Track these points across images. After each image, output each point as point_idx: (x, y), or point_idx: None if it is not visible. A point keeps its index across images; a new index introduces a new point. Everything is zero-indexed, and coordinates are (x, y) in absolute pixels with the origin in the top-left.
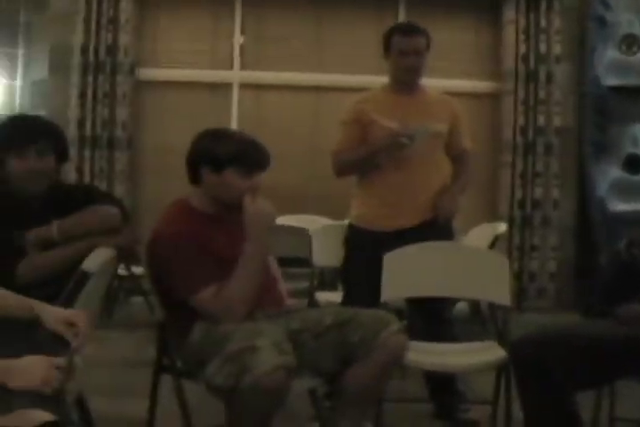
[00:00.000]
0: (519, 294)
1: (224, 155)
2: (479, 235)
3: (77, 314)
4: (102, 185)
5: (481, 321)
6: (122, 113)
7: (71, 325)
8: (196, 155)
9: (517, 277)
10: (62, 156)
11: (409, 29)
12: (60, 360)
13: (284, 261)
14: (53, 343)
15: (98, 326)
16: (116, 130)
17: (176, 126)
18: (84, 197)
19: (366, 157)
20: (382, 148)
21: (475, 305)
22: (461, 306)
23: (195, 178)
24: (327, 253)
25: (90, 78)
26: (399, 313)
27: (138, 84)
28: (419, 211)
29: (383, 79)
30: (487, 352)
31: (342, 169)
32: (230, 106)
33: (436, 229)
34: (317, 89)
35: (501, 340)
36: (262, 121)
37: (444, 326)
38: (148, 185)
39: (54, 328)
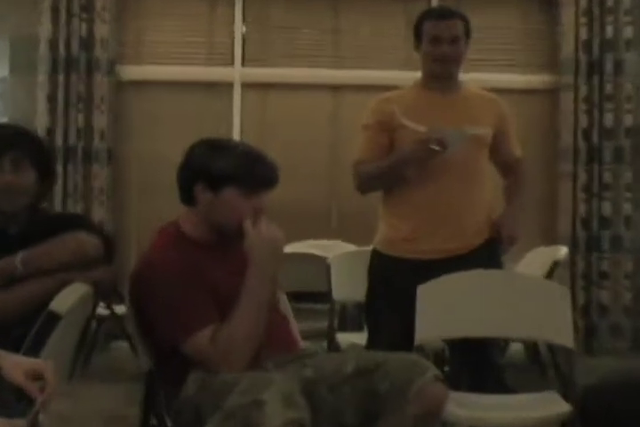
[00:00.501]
0: (587, 332)
1: (223, 170)
2: (534, 261)
3: (44, 364)
4: (77, 207)
5: (539, 367)
6: (100, 120)
7: (37, 377)
8: (189, 170)
9: (583, 311)
10: (45, 173)
11: (442, 13)
12: (21, 423)
13: (296, 296)
14: (15, 400)
15: (71, 379)
16: (93, 140)
17: (166, 135)
18: (64, 225)
19: (392, 169)
20: (409, 157)
21: (531, 347)
22: (515, 348)
23: (188, 198)
24: (350, 286)
25: (60, 78)
26: (437, 358)
27: (119, 84)
28: (457, 233)
29: (413, 75)
30: (547, 406)
31: (365, 184)
32: (231, 110)
33: (480, 255)
34: (335, 88)
35: (565, 390)
36: (269, 128)
37: (493, 373)
38: (133, 206)
39: (16, 382)
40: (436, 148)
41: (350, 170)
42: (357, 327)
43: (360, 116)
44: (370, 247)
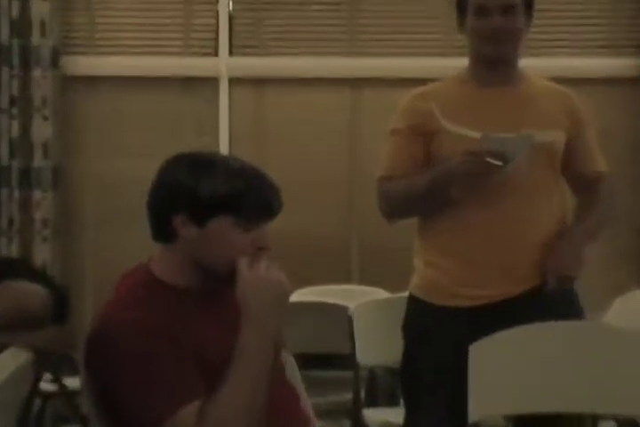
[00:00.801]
0: None
1: (211, 195)
2: (628, 309)
3: None
4: (12, 246)
5: None
6: (42, 129)
7: None
8: (165, 196)
9: None
10: None
11: None
12: None
13: (309, 361)
14: None
15: None
16: (33, 156)
17: (131, 148)
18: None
19: (432, 189)
20: (456, 174)
21: (628, 426)
22: None
23: (163, 232)
24: (380, 346)
25: None
26: None
27: (66, 81)
28: (524, 272)
29: (456, 64)
30: None
31: (395, 208)
32: (216, 113)
33: (551, 300)
34: (353, 82)
35: None
36: (266, 136)
37: None
38: (89, 244)
39: None
40: (495, 162)
41: (374, 190)
42: (391, 401)
43: (386, 118)
44: (405, 293)
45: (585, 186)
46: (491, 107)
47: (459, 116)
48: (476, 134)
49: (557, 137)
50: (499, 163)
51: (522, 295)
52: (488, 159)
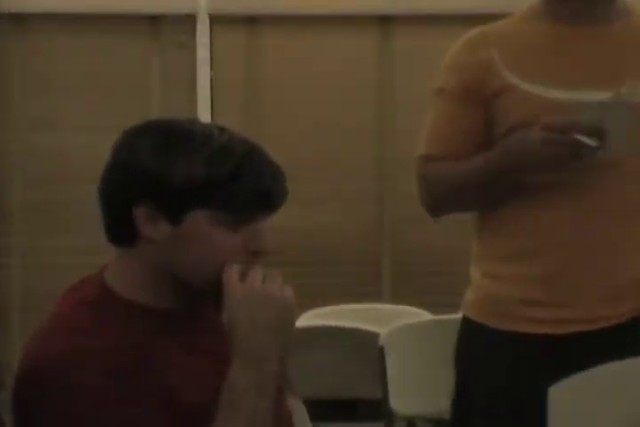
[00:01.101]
0: None
1: (187, 180)
2: None
3: None
4: None
5: None
6: None
7: None
8: (122, 182)
9: None
10: None
11: None
12: None
13: (326, 408)
14: None
15: None
16: None
17: (74, 112)
18: None
19: (496, 176)
20: (530, 158)
21: None
22: None
23: (119, 232)
24: (420, 388)
25: None
26: None
27: None
28: (617, 290)
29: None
30: None
31: (440, 199)
32: (192, 64)
33: None
34: (384, 21)
35: None
36: (262, 95)
37: None
38: (16, 247)
39: None
40: (591, 142)
41: (413, 173)
42: None
43: (426, 68)
44: (456, 315)
45: None
46: (580, 53)
47: (533, 67)
48: (558, 93)
49: None
50: (593, 143)
51: (622, 322)
52: (578, 137)
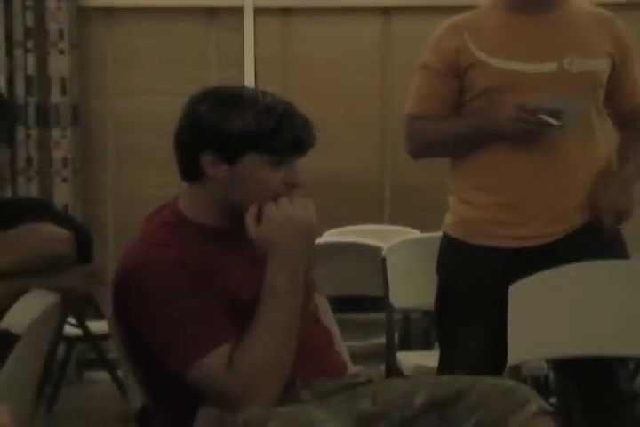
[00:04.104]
0: None
1: (241, 132)
2: None
3: None
4: (31, 187)
5: None
6: (60, 63)
7: None
8: (193, 134)
9: None
10: (10, 142)
11: None
12: None
13: (342, 304)
14: None
15: (34, 424)
16: (50, 93)
17: (154, 84)
18: (20, 214)
19: (474, 137)
20: (503, 129)
21: None
22: None
23: (191, 171)
24: (413, 288)
25: None
26: (541, 384)
27: (83, 12)
28: (563, 212)
29: None
30: None
31: (424, 148)
32: (241, 46)
33: (595, 241)
34: (384, 11)
35: None
36: (293, 70)
37: (619, 404)
38: (110, 183)
39: None
40: (552, 121)
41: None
42: (424, 344)
43: (421, 50)
44: (438, 233)
45: (629, 119)
46: (530, 35)
47: (495, 46)
48: (514, 65)
49: (601, 66)
50: (555, 122)
51: (565, 236)
52: (545, 118)
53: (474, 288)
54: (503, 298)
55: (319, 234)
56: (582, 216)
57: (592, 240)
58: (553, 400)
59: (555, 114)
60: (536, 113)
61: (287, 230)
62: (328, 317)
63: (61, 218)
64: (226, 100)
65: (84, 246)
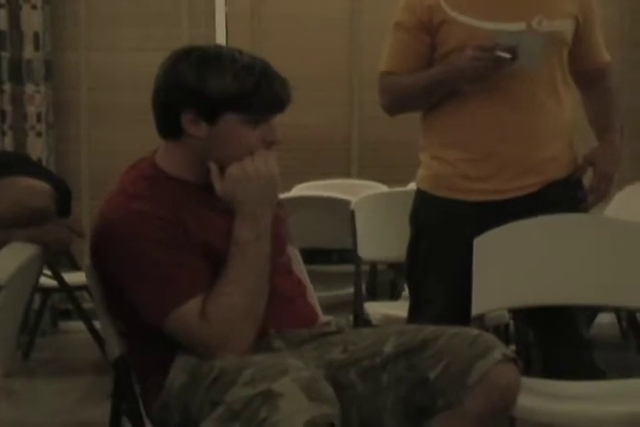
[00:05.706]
0: None
1: (221, 91)
2: (629, 202)
3: None
4: (5, 141)
5: (637, 345)
6: (32, 17)
7: None
8: (172, 94)
9: None
10: None
11: None
12: None
13: (311, 256)
14: None
15: (13, 373)
16: (23, 48)
17: (130, 39)
18: (3, 167)
19: (439, 85)
20: (465, 68)
21: (627, 318)
22: (605, 320)
23: (169, 129)
24: (381, 241)
25: None
26: (502, 332)
27: None
28: (533, 166)
29: None
30: None
31: (397, 103)
32: (212, 4)
33: (559, 194)
34: None
35: None
36: (264, 30)
37: (576, 351)
38: (84, 138)
39: None
40: (506, 55)
41: (376, 84)
42: (391, 295)
43: (389, 8)
44: (408, 187)
45: (590, 77)
46: None
47: (466, 5)
48: (484, 24)
49: (566, 25)
50: (508, 56)
51: (531, 188)
52: (499, 53)
53: (441, 241)
54: (469, 250)
55: (278, 185)
56: (558, 169)
57: (566, 195)
58: (512, 348)
59: (511, 49)
60: (493, 51)
61: (246, 185)
62: (300, 268)
63: (41, 172)
64: (205, 59)
65: (63, 200)
